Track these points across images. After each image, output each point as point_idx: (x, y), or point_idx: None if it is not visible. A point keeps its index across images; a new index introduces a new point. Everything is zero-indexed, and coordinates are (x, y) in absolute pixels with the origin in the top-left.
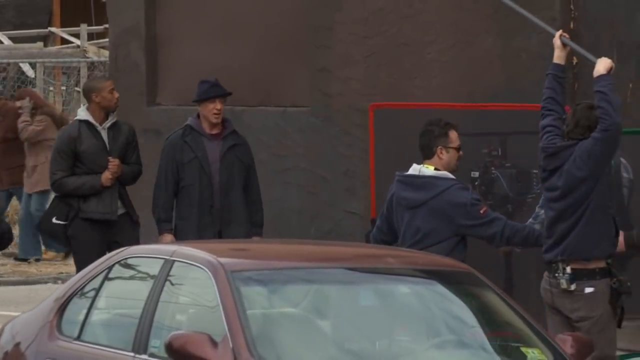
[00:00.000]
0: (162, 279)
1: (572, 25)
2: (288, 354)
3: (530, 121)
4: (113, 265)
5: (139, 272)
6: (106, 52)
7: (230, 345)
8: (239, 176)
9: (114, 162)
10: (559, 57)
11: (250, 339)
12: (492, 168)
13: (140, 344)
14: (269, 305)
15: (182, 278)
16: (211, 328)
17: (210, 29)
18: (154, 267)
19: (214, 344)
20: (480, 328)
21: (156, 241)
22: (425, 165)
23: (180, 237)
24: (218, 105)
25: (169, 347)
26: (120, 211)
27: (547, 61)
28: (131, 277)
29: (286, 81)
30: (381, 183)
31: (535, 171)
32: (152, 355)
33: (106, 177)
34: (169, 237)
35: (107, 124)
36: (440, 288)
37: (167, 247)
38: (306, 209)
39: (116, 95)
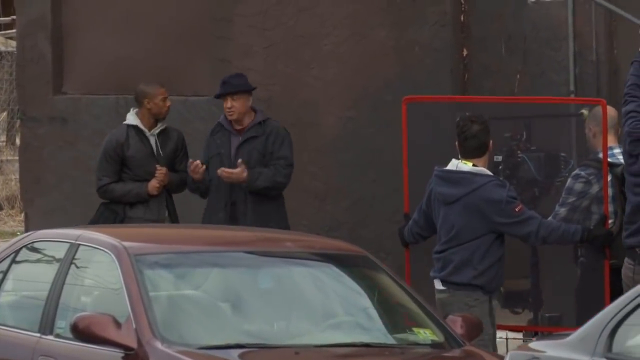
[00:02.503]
0: (68, 262)
1: (462, 19)
2: (189, 335)
3: (554, 107)
4: (20, 249)
5: (46, 255)
6: (14, 43)
7: (134, 326)
8: (257, 169)
9: (161, 170)
10: None
11: (153, 320)
12: (518, 152)
13: (46, 325)
14: (171, 288)
15: (87, 261)
16: (115, 310)
17: (114, 20)
18: (60, 251)
19: (118, 325)
20: (374, 309)
21: None
22: (463, 161)
23: None
24: (229, 104)
25: (74, 328)
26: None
27: (439, 52)
28: (38, 261)
29: (188, 71)
30: (413, 177)
31: (563, 154)
32: (57, 336)
33: (153, 185)
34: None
35: (157, 130)
36: (336, 270)
37: (73, 232)
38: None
39: (168, 104)
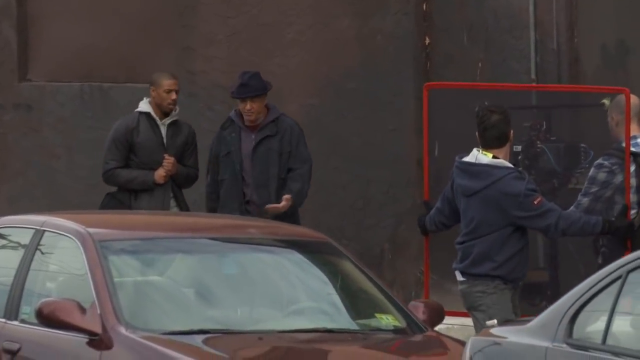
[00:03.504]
0: (33, 248)
1: (424, 7)
2: (154, 321)
3: (573, 96)
4: None
5: (11, 241)
6: None
7: (98, 312)
8: (274, 168)
9: (169, 160)
10: None
11: (117, 306)
12: (538, 142)
13: (11, 311)
14: (135, 274)
15: (52, 247)
16: (80, 295)
17: (79, 8)
18: (25, 237)
19: (83, 310)
20: (337, 295)
21: None
22: (483, 152)
23: None
24: (248, 106)
25: (39, 314)
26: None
27: (401, 41)
28: (3, 247)
29: (152, 59)
30: (434, 165)
31: (583, 145)
32: (22, 321)
33: (159, 174)
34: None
35: (168, 120)
36: (299, 257)
37: (38, 218)
38: None
39: (173, 96)
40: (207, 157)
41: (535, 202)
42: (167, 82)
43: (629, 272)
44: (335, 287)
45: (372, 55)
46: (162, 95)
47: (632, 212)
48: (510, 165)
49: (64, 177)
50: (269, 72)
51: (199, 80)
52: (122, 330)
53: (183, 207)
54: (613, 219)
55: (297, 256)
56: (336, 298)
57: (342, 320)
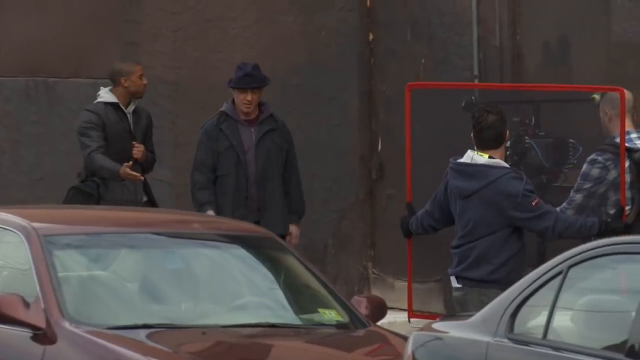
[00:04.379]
0: None
1: (368, 4)
2: (98, 315)
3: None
4: None
5: None
6: None
7: (42, 306)
8: (276, 163)
9: (138, 147)
10: None
11: (62, 301)
12: (526, 137)
13: None
14: (80, 269)
15: None
16: (24, 290)
17: (24, 3)
18: None
19: (27, 305)
20: (280, 290)
21: None
22: (479, 153)
23: None
24: (249, 97)
25: None
26: (143, 199)
27: (345, 37)
28: None
29: (97, 54)
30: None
31: (572, 141)
32: None
33: (124, 172)
34: (211, 212)
35: (131, 107)
36: (243, 252)
37: None
38: None
39: (145, 81)
40: (194, 155)
41: (533, 204)
42: (137, 68)
43: (569, 267)
44: (278, 282)
45: (317, 51)
46: (137, 82)
47: (626, 207)
48: (507, 165)
49: (8, 172)
50: (213, 68)
51: (144, 75)
52: (66, 324)
53: (151, 196)
54: (609, 220)
55: (240, 251)
56: (279, 293)
57: (286, 315)
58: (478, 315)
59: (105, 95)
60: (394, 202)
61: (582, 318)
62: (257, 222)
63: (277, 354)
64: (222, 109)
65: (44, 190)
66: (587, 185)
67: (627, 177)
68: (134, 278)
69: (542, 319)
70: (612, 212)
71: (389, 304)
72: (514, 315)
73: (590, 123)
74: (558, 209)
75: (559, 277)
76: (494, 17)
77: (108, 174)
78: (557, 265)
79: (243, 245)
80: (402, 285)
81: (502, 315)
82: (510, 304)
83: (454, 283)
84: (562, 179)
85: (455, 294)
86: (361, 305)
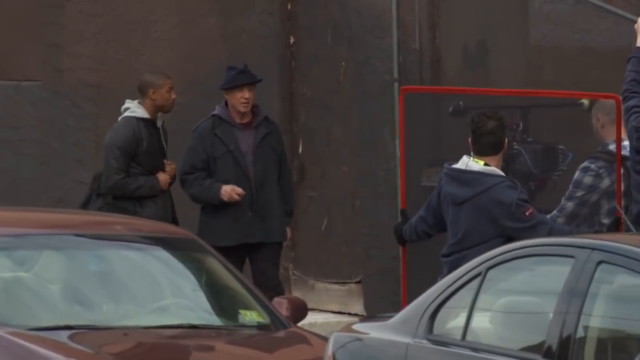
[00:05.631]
0: None
1: (289, 7)
2: (19, 316)
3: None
4: None
5: None
6: None
7: None
8: (273, 167)
9: (171, 165)
10: None
11: None
12: (514, 143)
13: None
14: (2, 270)
15: None
16: None
17: None
18: None
19: None
20: (201, 291)
21: None
22: (475, 159)
23: (219, 239)
24: (246, 94)
25: None
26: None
27: (266, 40)
28: None
29: (19, 56)
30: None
31: (561, 147)
32: None
33: (165, 180)
34: (225, 185)
35: (159, 122)
36: (165, 253)
37: None
38: (38, 178)
39: (174, 96)
40: (183, 159)
41: (527, 214)
42: (167, 82)
43: (488, 269)
44: (200, 283)
45: (238, 54)
46: (165, 95)
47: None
48: (502, 173)
49: None
50: (135, 71)
51: (66, 78)
52: None
53: (174, 215)
54: (604, 230)
55: (162, 252)
56: (201, 294)
57: (207, 316)
58: (398, 317)
59: (138, 110)
60: (315, 204)
61: (500, 319)
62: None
63: (199, 355)
64: (214, 113)
65: None
66: (579, 193)
67: (622, 186)
68: (56, 279)
69: (461, 320)
70: (604, 221)
71: (309, 305)
72: (433, 316)
73: (580, 128)
74: (549, 216)
75: (478, 279)
76: (414, 20)
77: (149, 191)
78: (475, 267)
79: (164, 246)
80: (322, 286)
81: (422, 317)
82: (430, 305)
83: None
84: (551, 185)
85: None
86: (282, 307)
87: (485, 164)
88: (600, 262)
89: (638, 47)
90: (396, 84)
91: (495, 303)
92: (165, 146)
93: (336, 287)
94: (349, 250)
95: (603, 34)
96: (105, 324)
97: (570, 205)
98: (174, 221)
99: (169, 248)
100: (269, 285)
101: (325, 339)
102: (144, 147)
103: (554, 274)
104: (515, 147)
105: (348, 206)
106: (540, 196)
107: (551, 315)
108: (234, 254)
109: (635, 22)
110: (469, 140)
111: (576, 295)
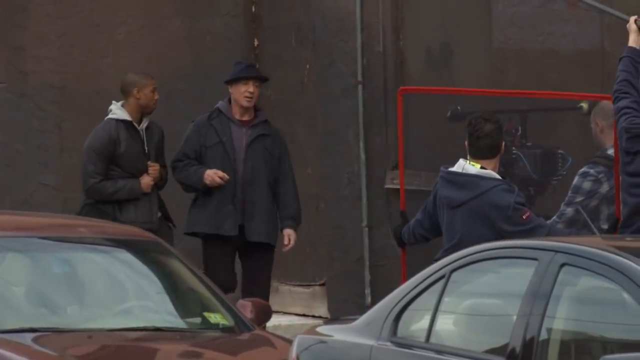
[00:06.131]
0: None
1: (253, 9)
2: None
3: (549, 101)
4: None
5: None
6: None
7: None
8: (265, 169)
9: (154, 167)
10: (634, 40)
11: None
12: (513, 148)
13: None
14: None
15: None
16: None
17: None
18: None
19: None
20: (165, 294)
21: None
22: (471, 162)
23: (194, 226)
24: (251, 88)
25: None
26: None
27: (230, 42)
28: None
29: None
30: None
31: (561, 151)
32: None
33: (147, 182)
34: (209, 170)
35: (144, 124)
36: (129, 256)
37: None
38: (2, 180)
39: (157, 96)
40: (178, 149)
41: (524, 217)
42: (151, 82)
43: (452, 271)
44: (164, 286)
45: (202, 56)
46: (149, 95)
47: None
48: (499, 177)
49: None
50: (100, 73)
51: (30, 80)
52: None
53: (166, 214)
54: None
55: (126, 255)
56: (165, 297)
57: (171, 318)
58: (362, 319)
59: (118, 111)
60: None
61: (464, 321)
62: (242, 225)
63: (163, 357)
64: (216, 106)
65: None
66: (578, 199)
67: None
68: (20, 282)
69: (425, 322)
70: (604, 227)
71: (273, 308)
72: (397, 318)
73: (579, 133)
74: (548, 222)
75: (442, 281)
76: (378, 23)
77: (129, 194)
78: (439, 269)
79: (129, 249)
80: (286, 288)
81: (386, 319)
82: (394, 307)
83: None
84: (550, 190)
85: None
86: (246, 309)
87: (482, 167)
88: (563, 265)
89: (630, 47)
90: (360, 87)
91: (459, 305)
92: (147, 148)
93: (300, 289)
94: (313, 253)
95: (566, 37)
96: (70, 326)
97: (569, 210)
98: (167, 221)
99: (133, 251)
100: (253, 291)
101: (289, 342)
102: (121, 149)
103: (518, 276)
104: (514, 151)
105: (312, 208)
106: (539, 201)
107: (515, 317)
108: (221, 249)
109: (627, 21)
110: (466, 143)
111: (539, 297)
